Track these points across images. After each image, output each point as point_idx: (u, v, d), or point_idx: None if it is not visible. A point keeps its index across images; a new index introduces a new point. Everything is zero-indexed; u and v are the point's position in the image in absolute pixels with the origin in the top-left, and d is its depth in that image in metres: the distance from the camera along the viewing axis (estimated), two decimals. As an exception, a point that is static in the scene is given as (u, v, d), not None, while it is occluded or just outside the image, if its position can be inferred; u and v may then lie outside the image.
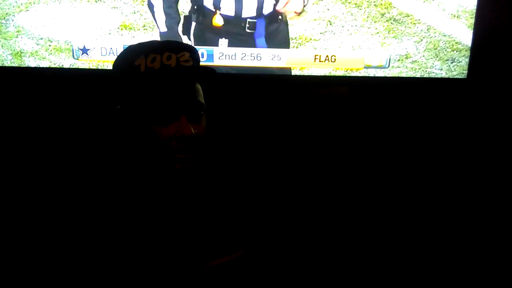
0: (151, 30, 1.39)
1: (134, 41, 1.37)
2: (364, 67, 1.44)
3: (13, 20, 1.37)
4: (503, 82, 1.54)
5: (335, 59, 1.42)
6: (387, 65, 1.44)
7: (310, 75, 1.43)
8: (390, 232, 1.51)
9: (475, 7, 1.39)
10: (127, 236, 0.84)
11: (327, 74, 1.43)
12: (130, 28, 1.39)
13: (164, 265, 0.84)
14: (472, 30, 1.41)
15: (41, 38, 1.39)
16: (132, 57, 0.81)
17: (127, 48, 0.85)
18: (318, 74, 1.44)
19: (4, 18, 1.37)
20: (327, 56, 1.42)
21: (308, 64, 1.43)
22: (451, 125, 1.56)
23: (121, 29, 1.39)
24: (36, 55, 1.40)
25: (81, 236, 0.86)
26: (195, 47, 0.87)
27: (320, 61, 1.42)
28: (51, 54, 1.40)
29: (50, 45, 1.39)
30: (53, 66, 1.41)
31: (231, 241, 0.88)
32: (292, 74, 1.43)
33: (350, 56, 1.43)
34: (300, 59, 1.42)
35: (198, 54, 0.85)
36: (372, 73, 1.44)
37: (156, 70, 0.79)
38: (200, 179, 0.89)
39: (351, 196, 1.51)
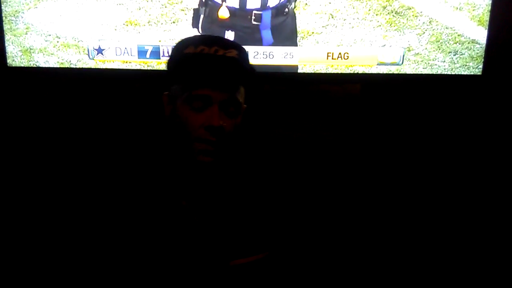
0: (155, 26, 1.41)
1: (142, 37, 1.42)
2: (377, 64, 1.44)
3: (22, 17, 1.41)
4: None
5: (348, 57, 1.43)
6: (400, 62, 1.44)
7: (323, 73, 1.44)
8: (409, 233, 1.50)
9: (490, 2, 1.39)
10: (149, 231, 0.86)
11: (340, 72, 1.44)
12: (136, 24, 1.42)
13: (186, 261, 0.86)
14: (476, 23, 1.42)
15: (49, 35, 1.43)
16: (183, 46, 0.86)
17: (181, 39, 0.89)
18: (332, 72, 1.44)
19: (14, 15, 1.41)
20: (339, 53, 1.43)
21: (320, 62, 1.44)
22: (466, 122, 1.56)
23: (127, 25, 1.42)
24: (45, 51, 1.44)
25: (98, 228, 0.89)
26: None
27: (333, 58, 1.43)
28: (59, 50, 1.44)
29: (58, 41, 1.43)
30: (61, 61, 1.44)
31: (255, 242, 0.90)
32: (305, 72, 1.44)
33: (363, 53, 1.43)
34: (312, 56, 1.43)
35: (246, 54, 0.88)
36: (386, 70, 1.45)
37: (202, 55, 0.83)
38: (226, 177, 0.90)
39: (368, 196, 1.50)
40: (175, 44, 0.90)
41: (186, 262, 0.86)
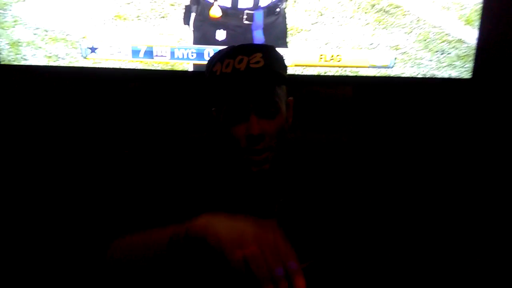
0: (144, 21, 1.41)
1: (131, 32, 1.42)
2: (369, 67, 1.46)
3: (10, 10, 1.40)
4: (508, 82, 1.55)
5: (340, 59, 1.44)
6: (391, 65, 1.46)
7: (316, 75, 1.46)
8: (409, 234, 1.52)
9: (481, 6, 1.41)
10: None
11: (333, 74, 1.46)
12: (125, 19, 1.42)
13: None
14: (463, 22, 1.43)
15: (37, 28, 1.42)
16: (212, 64, 0.89)
17: (212, 55, 0.93)
18: (324, 74, 1.46)
19: (2, 8, 1.40)
20: (332, 55, 1.44)
21: (313, 64, 1.45)
22: (456, 125, 1.57)
23: (116, 19, 1.41)
24: (33, 45, 1.43)
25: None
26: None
27: (325, 60, 1.44)
28: (47, 43, 1.43)
29: (46, 35, 1.42)
30: (48, 55, 1.44)
31: (311, 247, 0.91)
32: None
33: (355, 56, 1.45)
34: (305, 59, 1.45)
35: (274, 53, 0.90)
36: (377, 73, 1.47)
37: (227, 74, 0.85)
38: (282, 181, 0.92)
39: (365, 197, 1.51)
40: (207, 61, 0.94)
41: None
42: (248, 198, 0.90)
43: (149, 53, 1.44)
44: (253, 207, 0.90)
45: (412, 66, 1.45)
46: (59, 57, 1.44)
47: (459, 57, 1.45)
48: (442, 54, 1.45)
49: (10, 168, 1.55)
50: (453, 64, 1.46)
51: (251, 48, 0.87)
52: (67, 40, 1.43)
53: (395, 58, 1.45)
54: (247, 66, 0.84)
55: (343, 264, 0.95)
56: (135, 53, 1.44)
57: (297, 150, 0.97)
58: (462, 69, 1.46)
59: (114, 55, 1.44)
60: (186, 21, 1.41)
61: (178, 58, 1.44)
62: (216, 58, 0.89)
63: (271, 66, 0.86)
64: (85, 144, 1.55)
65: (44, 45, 1.43)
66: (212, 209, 0.88)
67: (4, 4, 1.40)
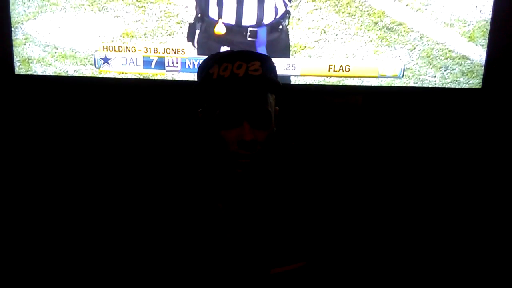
0: (151, 38, 1.44)
1: (143, 43, 1.45)
2: (378, 77, 1.47)
3: (21, 28, 1.45)
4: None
5: (349, 69, 1.46)
6: (401, 75, 1.46)
7: (326, 84, 1.47)
8: (412, 238, 1.52)
9: (490, 18, 1.42)
10: (193, 238, 0.90)
11: (343, 84, 1.47)
12: (132, 36, 1.45)
13: (228, 269, 0.89)
14: (466, 39, 1.44)
15: (48, 45, 1.46)
16: (209, 65, 0.89)
17: (208, 57, 0.92)
18: (335, 84, 1.48)
19: (13, 26, 1.45)
20: (341, 65, 1.45)
21: (322, 74, 1.46)
22: (465, 135, 1.57)
23: (123, 36, 1.45)
24: (43, 62, 1.47)
25: (145, 236, 0.94)
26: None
27: (334, 70, 1.46)
28: (56, 60, 1.47)
29: (55, 52, 1.46)
30: (58, 72, 1.47)
31: (295, 250, 0.92)
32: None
33: (364, 66, 1.46)
34: (314, 68, 1.46)
35: (270, 63, 0.91)
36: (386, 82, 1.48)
37: (225, 78, 0.85)
38: (265, 184, 0.92)
39: (372, 201, 1.51)
40: (202, 61, 0.93)
41: (227, 268, 0.89)
42: (233, 197, 0.91)
43: (160, 64, 1.47)
44: (238, 206, 0.90)
45: (416, 83, 1.46)
46: (68, 74, 1.47)
47: (463, 74, 1.46)
48: (446, 70, 1.46)
49: (22, 174, 1.57)
50: (457, 80, 1.46)
51: (250, 56, 0.88)
52: (76, 57, 1.46)
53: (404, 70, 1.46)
54: (246, 73, 0.85)
55: (333, 264, 0.95)
56: (147, 63, 1.47)
57: (287, 152, 0.97)
58: (466, 85, 1.46)
59: (126, 66, 1.47)
60: (190, 38, 1.44)
61: (189, 68, 1.46)
62: (213, 60, 0.88)
63: (268, 75, 0.87)
64: (94, 151, 1.57)
65: (54, 62, 1.47)
66: (199, 208, 0.90)
67: (16, 22, 1.45)
